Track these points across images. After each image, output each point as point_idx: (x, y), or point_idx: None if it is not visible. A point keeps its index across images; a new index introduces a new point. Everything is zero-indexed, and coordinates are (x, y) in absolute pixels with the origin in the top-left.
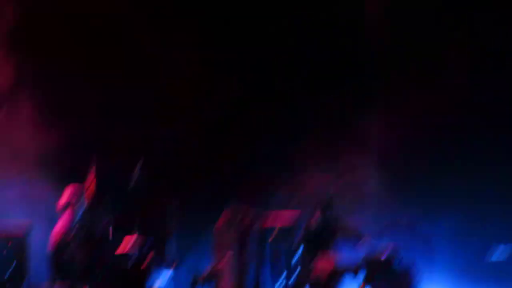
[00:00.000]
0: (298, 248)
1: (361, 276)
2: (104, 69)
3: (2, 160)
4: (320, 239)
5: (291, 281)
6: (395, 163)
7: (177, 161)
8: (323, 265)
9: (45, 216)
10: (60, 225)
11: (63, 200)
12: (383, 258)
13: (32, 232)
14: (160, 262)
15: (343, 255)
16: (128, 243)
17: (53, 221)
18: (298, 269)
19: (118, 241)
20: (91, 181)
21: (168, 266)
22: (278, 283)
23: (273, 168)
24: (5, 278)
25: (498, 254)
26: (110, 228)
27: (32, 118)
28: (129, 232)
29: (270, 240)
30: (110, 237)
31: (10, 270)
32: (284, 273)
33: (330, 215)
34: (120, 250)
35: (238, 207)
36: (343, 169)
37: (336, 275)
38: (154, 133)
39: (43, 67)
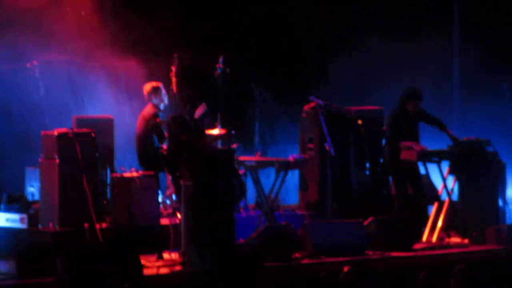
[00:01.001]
0: (383, 134)
1: (446, 163)
2: None
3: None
4: (405, 126)
5: (378, 166)
6: None
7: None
8: (409, 151)
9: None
10: (145, 113)
11: (146, 91)
12: (467, 145)
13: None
14: (244, 151)
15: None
16: (213, 133)
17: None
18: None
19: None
20: (172, 76)
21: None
22: (366, 167)
23: None
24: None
25: None
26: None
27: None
28: (213, 123)
29: (356, 124)
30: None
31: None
32: (371, 160)
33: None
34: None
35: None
36: None
37: (422, 160)
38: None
39: None
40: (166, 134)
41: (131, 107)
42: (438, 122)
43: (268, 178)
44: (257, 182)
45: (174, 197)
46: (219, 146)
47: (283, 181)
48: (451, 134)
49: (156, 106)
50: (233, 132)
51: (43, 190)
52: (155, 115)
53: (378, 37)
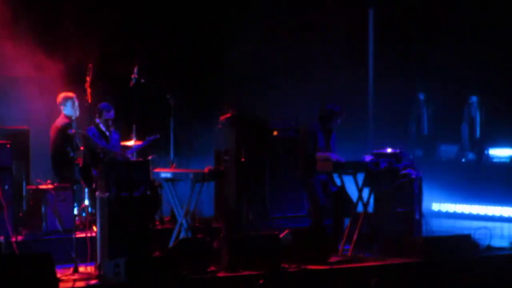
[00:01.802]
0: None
1: (361, 175)
2: None
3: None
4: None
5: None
6: None
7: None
8: (324, 163)
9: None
10: (58, 124)
11: (59, 100)
12: (385, 157)
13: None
14: (159, 163)
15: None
16: (129, 140)
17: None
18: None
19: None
20: (87, 86)
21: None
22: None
23: None
24: None
25: None
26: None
27: None
28: (130, 130)
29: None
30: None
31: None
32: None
33: None
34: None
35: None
36: None
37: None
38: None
39: None
40: (81, 147)
41: (47, 117)
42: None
43: (186, 190)
44: (172, 194)
45: (90, 209)
46: (134, 157)
47: (199, 193)
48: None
49: (68, 117)
50: (158, 136)
51: None
52: (66, 126)
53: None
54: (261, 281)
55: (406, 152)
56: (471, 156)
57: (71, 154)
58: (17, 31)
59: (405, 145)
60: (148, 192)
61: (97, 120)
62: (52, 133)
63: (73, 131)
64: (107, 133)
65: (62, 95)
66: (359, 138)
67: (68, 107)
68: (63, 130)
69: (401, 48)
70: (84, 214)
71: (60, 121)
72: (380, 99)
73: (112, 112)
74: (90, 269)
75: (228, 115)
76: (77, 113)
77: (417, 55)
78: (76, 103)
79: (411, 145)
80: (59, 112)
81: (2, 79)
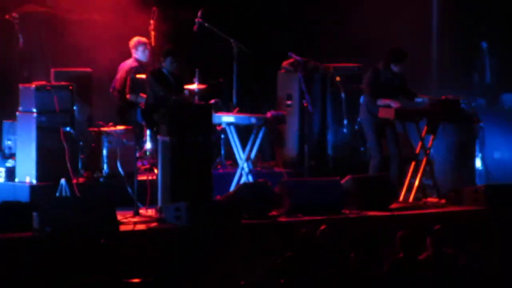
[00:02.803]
0: (362, 92)
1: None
2: None
3: None
4: (385, 84)
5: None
6: None
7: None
8: (387, 109)
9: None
10: (127, 66)
11: (132, 44)
12: (445, 104)
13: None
14: (222, 107)
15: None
16: (192, 84)
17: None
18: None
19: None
20: (151, 30)
21: (230, 110)
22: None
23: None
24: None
25: None
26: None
27: None
28: (193, 73)
29: (335, 81)
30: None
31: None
32: (348, 117)
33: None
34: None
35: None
36: None
37: (400, 118)
38: None
39: None
40: (144, 90)
41: (111, 60)
42: (412, 95)
43: (248, 134)
44: (234, 139)
45: (151, 152)
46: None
47: (261, 138)
48: (425, 96)
49: (138, 61)
50: (221, 80)
51: (20, 143)
52: (136, 70)
53: None
54: (322, 227)
55: (469, 100)
56: None
57: (138, 99)
58: None
59: (468, 93)
60: (211, 136)
61: (162, 64)
62: (119, 75)
63: (143, 75)
64: (170, 78)
65: (135, 39)
66: (422, 86)
67: (139, 52)
68: (132, 73)
69: None
70: (146, 157)
71: (129, 64)
72: (443, 47)
73: (176, 57)
74: (150, 212)
75: (291, 60)
76: (148, 59)
77: (482, 3)
78: (148, 49)
79: (474, 93)
80: (122, 56)
81: (66, 22)
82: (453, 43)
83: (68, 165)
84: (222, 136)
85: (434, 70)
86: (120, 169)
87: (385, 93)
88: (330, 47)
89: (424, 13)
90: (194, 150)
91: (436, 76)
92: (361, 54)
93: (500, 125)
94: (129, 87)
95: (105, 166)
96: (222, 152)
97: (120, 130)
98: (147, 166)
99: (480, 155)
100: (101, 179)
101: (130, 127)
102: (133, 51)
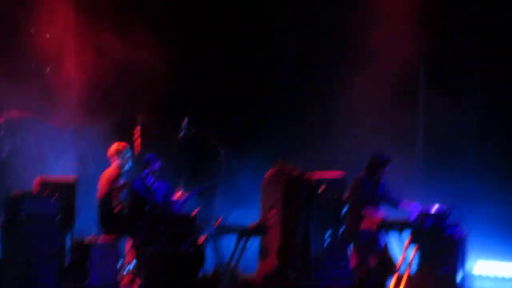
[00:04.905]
0: (346, 202)
1: (407, 234)
2: None
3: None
4: (370, 193)
5: (338, 235)
6: None
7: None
8: (370, 220)
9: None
10: (108, 175)
11: (111, 151)
12: (431, 217)
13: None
14: (206, 217)
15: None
16: (177, 193)
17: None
18: (345, 223)
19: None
20: (136, 137)
21: (214, 220)
22: (326, 236)
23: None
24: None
25: None
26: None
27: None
28: (175, 186)
29: (319, 191)
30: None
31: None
32: (331, 228)
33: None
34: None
35: (286, 162)
36: None
37: (382, 230)
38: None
39: None
40: (126, 199)
41: (95, 168)
42: (396, 203)
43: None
44: (217, 250)
45: (134, 263)
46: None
47: (243, 249)
48: (408, 205)
49: (119, 168)
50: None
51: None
52: (117, 178)
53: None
54: None
55: (454, 207)
56: None
57: (118, 207)
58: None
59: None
60: (193, 248)
61: (144, 172)
62: (103, 183)
63: (120, 183)
64: (153, 186)
65: (114, 146)
66: (409, 189)
67: (119, 159)
68: (114, 181)
69: (451, 93)
70: (129, 268)
71: (111, 172)
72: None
73: (158, 163)
74: None
75: (273, 170)
76: (129, 164)
77: (467, 101)
78: (129, 154)
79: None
80: (106, 162)
81: (51, 127)
82: (440, 150)
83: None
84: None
85: (418, 177)
86: (102, 280)
87: (370, 202)
88: (313, 156)
89: (411, 118)
90: (177, 260)
91: (420, 184)
92: (345, 164)
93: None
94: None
95: (88, 277)
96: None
97: (103, 241)
98: (129, 278)
99: (460, 268)
100: None
101: (112, 237)
102: (113, 159)
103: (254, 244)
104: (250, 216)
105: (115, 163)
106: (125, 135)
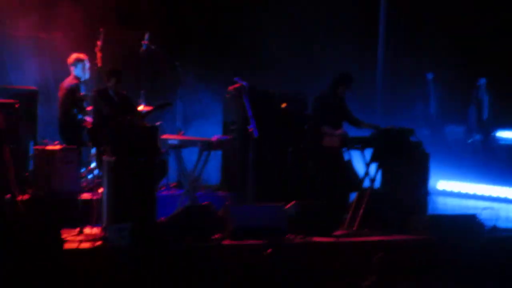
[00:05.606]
0: (307, 118)
1: (369, 151)
2: None
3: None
4: (332, 111)
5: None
6: None
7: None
8: (332, 137)
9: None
10: (67, 84)
11: (71, 60)
12: (390, 134)
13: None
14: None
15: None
16: (138, 106)
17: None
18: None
19: (124, 106)
20: (98, 50)
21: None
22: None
23: None
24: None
25: None
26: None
27: None
28: (136, 100)
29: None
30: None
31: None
32: (291, 144)
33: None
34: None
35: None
36: None
37: (345, 147)
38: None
39: None
40: (89, 107)
41: (55, 79)
42: (356, 122)
43: (190, 157)
44: (179, 161)
45: (96, 171)
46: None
47: (205, 161)
48: (371, 125)
49: (77, 78)
50: (170, 103)
51: None
52: (75, 88)
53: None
54: (269, 251)
55: (414, 130)
56: (477, 137)
57: (79, 117)
58: None
59: (411, 123)
60: (155, 158)
61: (107, 84)
62: (60, 93)
63: (81, 93)
64: (115, 98)
65: (73, 56)
66: (367, 113)
67: (78, 69)
68: (72, 91)
69: (411, 28)
70: (90, 176)
71: (68, 82)
72: (388, 77)
73: (120, 77)
74: (95, 230)
75: (236, 85)
76: (87, 75)
77: (428, 35)
78: (87, 65)
79: (418, 124)
80: (67, 74)
81: (12, 39)
82: (398, 74)
83: (12, 182)
84: (167, 158)
85: (379, 99)
86: (64, 188)
87: (332, 119)
88: (274, 72)
89: (371, 40)
90: (138, 171)
91: (380, 105)
92: (308, 80)
93: (443, 155)
94: (79, 109)
95: (49, 184)
96: (167, 174)
97: (65, 148)
98: (92, 185)
99: (424, 184)
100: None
101: (74, 146)
102: (71, 68)
103: (217, 156)
104: (213, 129)
105: (73, 73)
106: (86, 50)
